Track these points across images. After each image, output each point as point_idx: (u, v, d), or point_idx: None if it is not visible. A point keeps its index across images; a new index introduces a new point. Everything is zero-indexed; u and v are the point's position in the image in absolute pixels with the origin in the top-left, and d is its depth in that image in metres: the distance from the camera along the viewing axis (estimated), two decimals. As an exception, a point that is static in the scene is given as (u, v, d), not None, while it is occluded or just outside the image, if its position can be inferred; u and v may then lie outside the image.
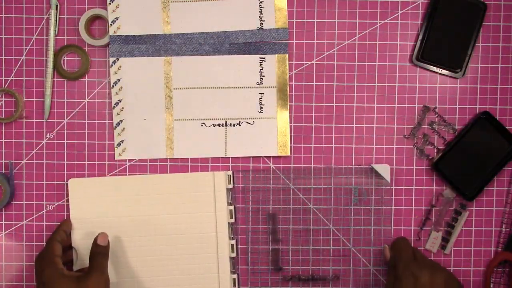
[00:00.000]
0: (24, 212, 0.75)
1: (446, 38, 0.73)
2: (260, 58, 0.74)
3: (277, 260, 0.75)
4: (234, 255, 0.74)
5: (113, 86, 0.74)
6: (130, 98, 0.74)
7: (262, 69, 0.74)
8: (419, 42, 0.73)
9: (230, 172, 0.74)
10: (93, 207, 0.74)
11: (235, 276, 0.75)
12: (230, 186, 0.74)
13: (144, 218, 0.74)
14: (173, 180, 0.74)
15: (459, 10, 0.73)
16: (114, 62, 0.74)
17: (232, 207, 0.74)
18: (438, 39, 0.73)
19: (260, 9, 0.74)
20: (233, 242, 0.74)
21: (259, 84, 0.74)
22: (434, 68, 0.74)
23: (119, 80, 0.74)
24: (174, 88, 0.74)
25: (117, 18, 0.73)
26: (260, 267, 0.75)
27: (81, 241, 0.74)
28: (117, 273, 0.74)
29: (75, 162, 0.75)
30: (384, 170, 0.74)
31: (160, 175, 0.74)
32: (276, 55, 0.74)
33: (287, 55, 0.74)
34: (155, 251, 0.74)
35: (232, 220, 0.74)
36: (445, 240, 0.75)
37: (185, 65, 0.74)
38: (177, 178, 0.74)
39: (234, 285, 0.74)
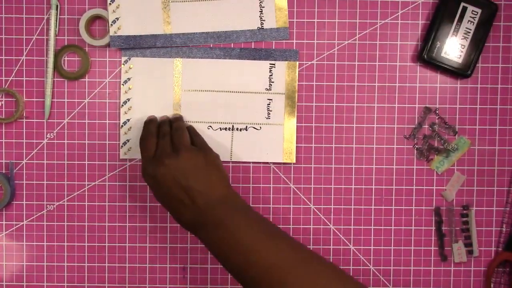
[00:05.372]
0: (24, 212, 0.75)
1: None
2: (270, 64, 0.74)
3: None
4: None
5: (123, 84, 0.74)
6: (138, 97, 0.74)
7: (271, 75, 0.74)
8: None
9: None
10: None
11: None
12: None
13: None
14: None
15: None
16: (126, 61, 0.74)
17: None
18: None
19: (261, 9, 0.74)
20: None
21: (267, 90, 0.74)
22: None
23: (129, 79, 0.74)
24: (183, 90, 0.74)
25: (117, 18, 0.73)
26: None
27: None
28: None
29: (75, 162, 0.75)
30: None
31: None
32: (286, 61, 0.74)
33: (297, 63, 0.74)
34: None
35: None
36: (468, 245, 0.75)
37: (195, 68, 0.74)
38: None
39: None
